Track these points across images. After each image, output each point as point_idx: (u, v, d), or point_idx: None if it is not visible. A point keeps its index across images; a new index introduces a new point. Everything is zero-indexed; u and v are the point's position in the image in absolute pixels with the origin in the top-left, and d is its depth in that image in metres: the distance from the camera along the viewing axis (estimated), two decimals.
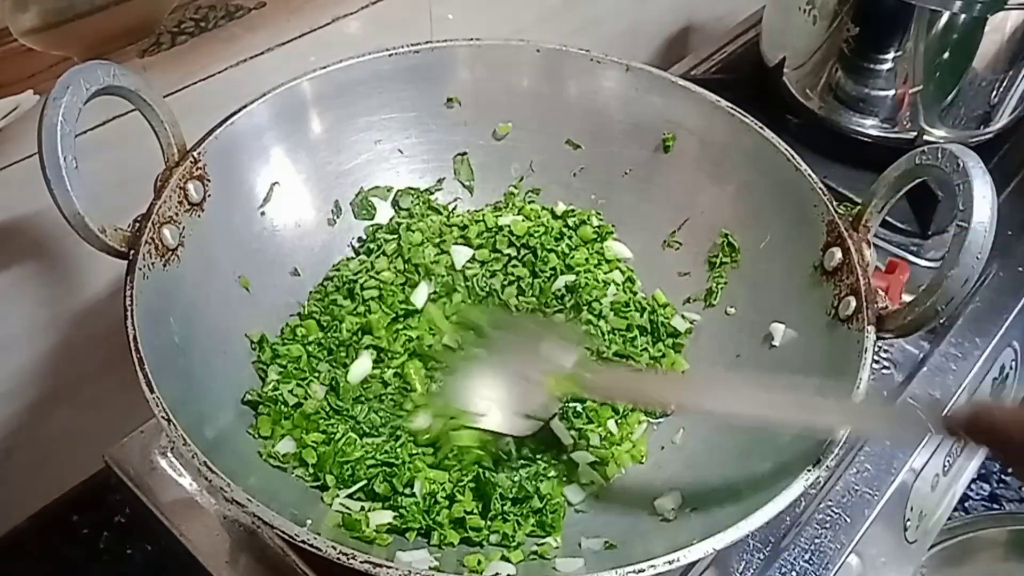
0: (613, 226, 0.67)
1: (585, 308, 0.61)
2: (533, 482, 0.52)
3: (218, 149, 0.55)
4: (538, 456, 0.56)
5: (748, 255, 0.61)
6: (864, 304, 0.49)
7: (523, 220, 0.65)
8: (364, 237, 0.65)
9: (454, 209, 0.68)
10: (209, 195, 0.55)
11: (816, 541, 0.57)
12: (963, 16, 0.70)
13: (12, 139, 0.53)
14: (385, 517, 0.49)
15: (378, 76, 0.63)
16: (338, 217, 0.64)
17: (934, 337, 0.71)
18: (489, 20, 0.82)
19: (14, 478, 0.66)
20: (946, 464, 0.70)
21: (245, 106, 0.57)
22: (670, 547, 0.40)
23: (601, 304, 0.61)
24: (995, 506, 0.96)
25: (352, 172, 0.65)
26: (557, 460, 0.56)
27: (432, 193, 0.67)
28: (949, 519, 0.79)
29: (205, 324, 0.53)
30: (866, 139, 0.81)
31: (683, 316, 0.62)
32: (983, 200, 0.45)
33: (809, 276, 0.55)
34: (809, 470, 0.43)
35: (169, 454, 0.58)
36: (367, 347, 0.58)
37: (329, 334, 0.59)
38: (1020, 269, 0.77)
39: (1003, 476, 0.99)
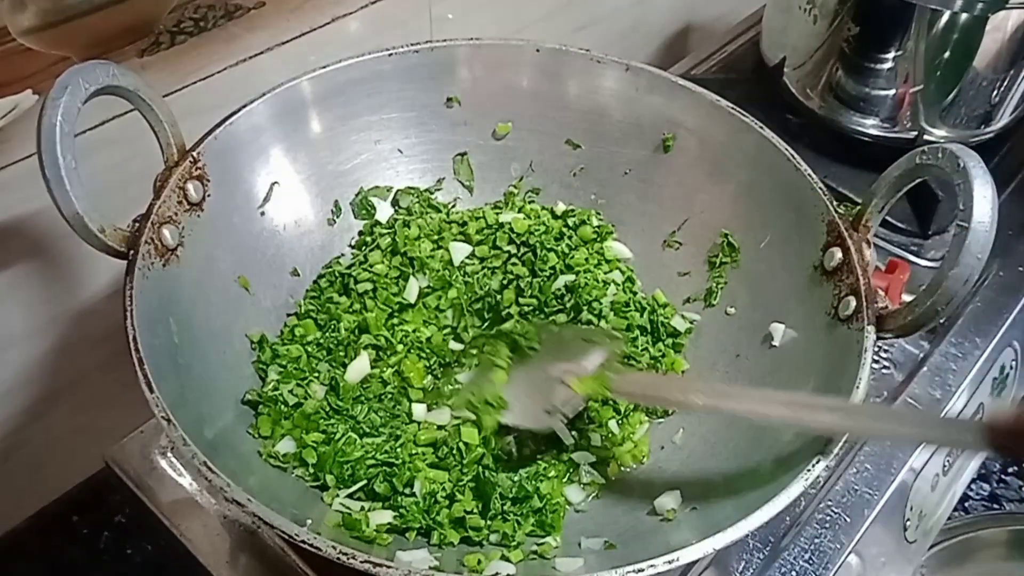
0: (613, 226, 0.66)
1: (585, 308, 0.61)
2: (533, 482, 0.52)
3: (218, 149, 0.55)
4: (538, 456, 0.56)
5: (748, 255, 0.61)
6: (864, 304, 0.49)
7: (523, 218, 0.65)
8: (362, 231, 0.65)
9: (453, 207, 0.67)
10: (209, 195, 0.55)
11: (816, 541, 0.57)
12: (963, 16, 0.70)
13: (11, 139, 0.53)
14: (385, 517, 0.49)
15: (378, 76, 0.63)
16: (338, 217, 0.64)
17: (934, 337, 0.71)
18: (489, 20, 0.82)
19: (14, 478, 0.66)
20: (946, 464, 0.70)
21: (245, 106, 0.57)
22: (670, 547, 0.40)
23: (601, 304, 0.61)
24: (995, 506, 0.96)
25: (352, 172, 0.65)
26: (557, 460, 0.56)
27: (432, 193, 0.67)
28: (949, 519, 0.79)
29: (205, 324, 0.53)
30: (866, 139, 0.81)
31: (683, 316, 0.62)
32: (983, 200, 0.45)
33: (809, 276, 0.55)
34: (817, 460, 0.43)
35: (169, 454, 0.58)
36: (366, 346, 0.58)
37: (327, 334, 0.59)
38: (1020, 269, 0.77)
39: (1003, 476, 0.99)
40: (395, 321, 0.60)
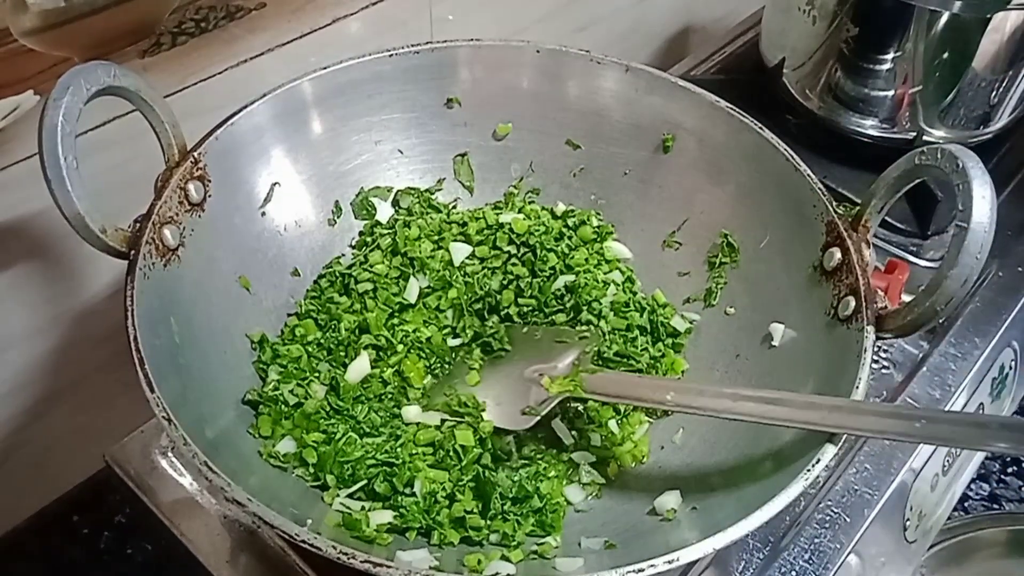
0: (613, 226, 0.67)
1: (585, 308, 0.61)
2: (533, 482, 0.53)
3: (219, 149, 0.55)
4: (538, 456, 0.56)
5: (747, 255, 0.61)
6: (863, 304, 0.49)
7: (523, 218, 0.65)
8: (362, 231, 0.65)
9: (454, 208, 0.68)
10: (210, 195, 0.55)
11: (816, 541, 0.57)
12: (963, 16, 0.70)
13: (13, 139, 0.53)
14: (385, 517, 0.49)
15: (378, 77, 0.63)
16: (338, 217, 0.65)
17: (934, 337, 0.71)
18: (489, 21, 0.82)
19: (14, 478, 0.66)
20: (946, 464, 0.70)
21: (246, 106, 0.57)
22: (670, 547, 0.40)
23: (601, 304, 0.61)
24: (995, 506, 0.96)
25: (352, 172, 0.65)
26: (557, 460, 0.56)
27: (432, 193, 0.67)
28: (949, 519, 0.79)
29: (205, 324, 0.53)
30: (866, 139, 0.81)
31: (683, 316, 0.62)
32: (982, 200, 0.45)
33: (808, 276, 0.55)
34: (817, 460, 0.43)
35: (169, 454, 0.58)
36: (366, 346, 0.58)
37: (328, 334, 0.59)
38: (1020, 269, 0.77)
39: (1003, 476, 0.99)
40: (395, 321, 0.60)
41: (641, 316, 0.61)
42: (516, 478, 0.52)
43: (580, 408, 0.58)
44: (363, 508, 0.50)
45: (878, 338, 0.48)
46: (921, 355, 0.70)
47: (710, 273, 0.63)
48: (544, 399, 0.55)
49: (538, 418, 0.54)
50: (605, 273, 0.64)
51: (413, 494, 0.51)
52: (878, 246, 0.73)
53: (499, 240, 0.64)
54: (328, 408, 0.55)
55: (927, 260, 0.76)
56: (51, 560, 0.70)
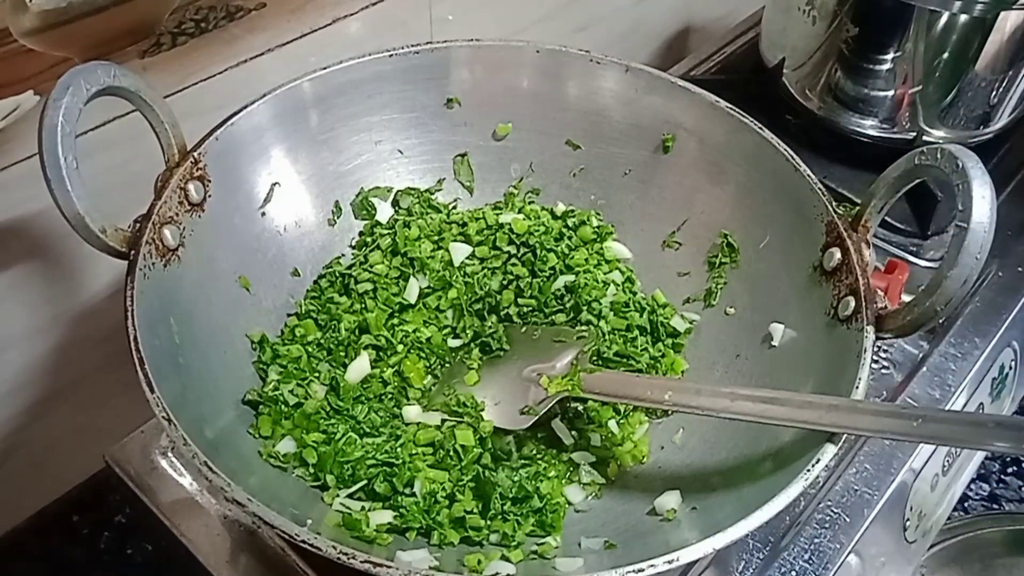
0: (613, 226, 0.67)
1: (585, 308, 0.61)
2: (533, 482, 0.53)
3: (218, 149, 0.55)
4: (538, 456, 0.56)
5: (747, 255, 0.61)
6: (863, 304, 0.49)
7: (523, 219, 0.65)
8: (362, 232, 0.65)
9: (454, 208, 0.68)
10: (209, 195, 0.55)
11: (815, 541, 0.57)
12: (962, 17, 0.70)
13: (12, 139, 0.53)
14: (385, 517, 0.49)
15: (378, 77, 0.63)
16: (338, 217, 0.65)
17: (933, 337, 0.71)
18: (489, 20, 0.82)
19: (14, 478, 0.66)
20: (945, 464, 0.70)
21: (245, 106, 0.57)
22: (670, 547, 0.40)
23: (601, 304, 0.61)
24: (995, 506, 0.96)
25: (352, 172, 0.65)
26: (557, 460, 0.56)
27: (432, 193, 0.67)
28: (949, 519, 0.79)
29: (205, 324, 0.53)
30: (865, 139, 0.81)
31: (683, 316, 0.63)
32: (982, 200, 0.45)
33: (808, 276, 0.55)
34: (817, 460, 0.43)
35: (169, 454, 0.58)
36: (366, 346, 0.58)
37: (328, 334, 0.59)
38: (1020, 269, 0.77)
39: (1003, 476, 0.99)
40: (395, 321, 0.60)
41: (641, 316, 0.61)
42: (516, 478, 0.52)
43: (580, 408, 0.58)
44: (363, 508, 0.50)
45: (878, 338, 0.48)
46: (921, 355, 0.70)
47: (710, 273, 0.63)
48: (543, 399, 0.55)
49: (536, 418, 0.54)
50: (605, 273, 0.64)
51: (413, 494, 0.51)
52: (878, 246, 0.73)
53: (499, 240, 0.64)
54: (328, 408, 0.55)
55: (927, 260, 0.76)
56: (51, 560, 0.70)
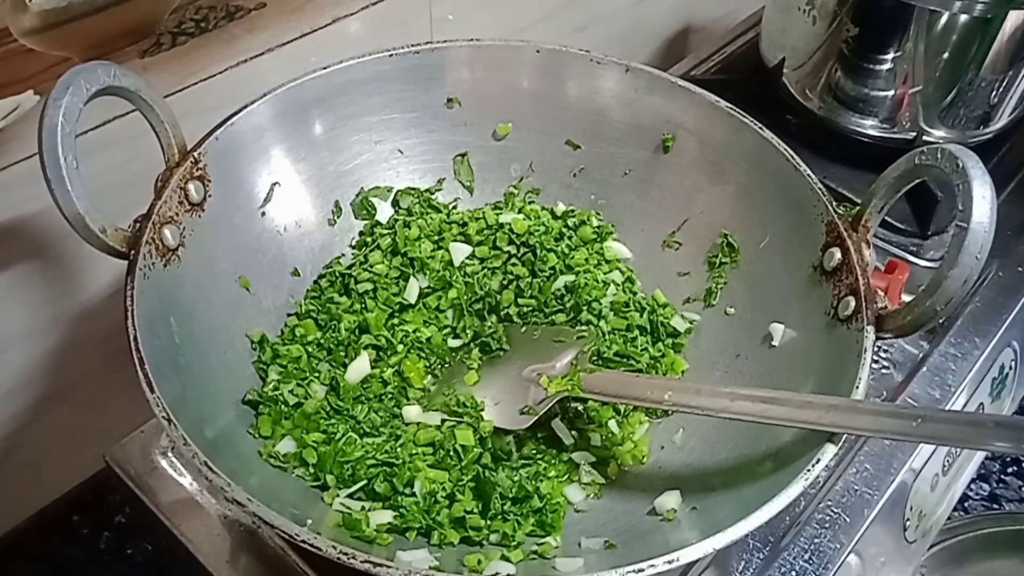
0: (613, 226, 0.67)
1: (585, 308, 0.61)
2: (533, 482, 0.53)
3: (218, 149, 0.55)
4: (538, 456, 0.56)
5: (748, 255, 0.61)
6: (863, 304, 0.49)
7: (523, 218, 0.65)
8: (362, 232, 0.65)
9: (454, 208, 0.68)
10: (209, 195, 0.55)
11: (816, 541, 0.57)
12: (962, 17, 0.70)
13: (12, 139, 0.53)
14: (385, 517, 0.49)
15: (378, 77, 0.63)
16: (338, 217, 0.65)
17: (933, 337, 0.71)
18: (489, 20, 0.82)
19: (14, 478, 0.66)
20: (946, 464, 0.70)
21: (245, 106, 0.57)
22: (670, 547, 0.40)
23: (601, 304, 0.61)
24: (995, 506, 0.96)
25: (352, 172, 0.65)
26: (557, 460, 0.56)
27: (432, 193, 0.67)
28: (949, 519, 0.79)
29: (205, 324, 0.53)
30: (866, 139, 0.81)
31: (683, 316, 0.63)
32: (982, 200, 0.45)
33: (808, 276, 0.55)
34: (818, 460, 0.43)
35: (169, 454, 0.58)
36: (366, 346, 0.58)
37: (328, 334, 0.59)
38: (1020, 269, 0.77)
39: (1003, 476, 0.99)
40: (395, 321, 0.60)
41: (641, 316, 0.61)
42: (516, 478, 0.52)
43: (580, 408, 0.58)
44: (363, 508, 0.50)
45: (878, 338, 0.48)
46: (921, 355, 0.70)
47: (710, 273, 0.63)
48: (543, 399, 0.55)
49: (536, 418, 0.54)
50: (605, 273, 0.64)
51: (413, 494, 0.51)
52: (878, 246, 0.74)
53: (499, 240, 0.64)
54: (328, 408, 0.55)
55: (927, 260, 0.76)
56: (51, 560, 0.70)
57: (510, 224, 0.64)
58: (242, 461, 0.50)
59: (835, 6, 0.76)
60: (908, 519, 0.65)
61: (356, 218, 0.65)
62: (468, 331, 0.61)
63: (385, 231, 0.64)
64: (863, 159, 0.78)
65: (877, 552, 0.61)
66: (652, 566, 0.39)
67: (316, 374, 0.57)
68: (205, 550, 0.54)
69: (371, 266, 0.62)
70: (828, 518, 0.59)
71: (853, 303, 0.50)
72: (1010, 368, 0.76)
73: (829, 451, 0.44)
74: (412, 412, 0.56)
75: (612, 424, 0.57)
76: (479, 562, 0.48)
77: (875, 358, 0.67)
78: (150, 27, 0.57)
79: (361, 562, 0.38)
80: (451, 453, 0.54)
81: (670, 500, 0.51)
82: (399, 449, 0.53)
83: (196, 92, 0.61)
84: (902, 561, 0.65)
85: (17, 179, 0.55)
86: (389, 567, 0.38)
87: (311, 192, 0.63)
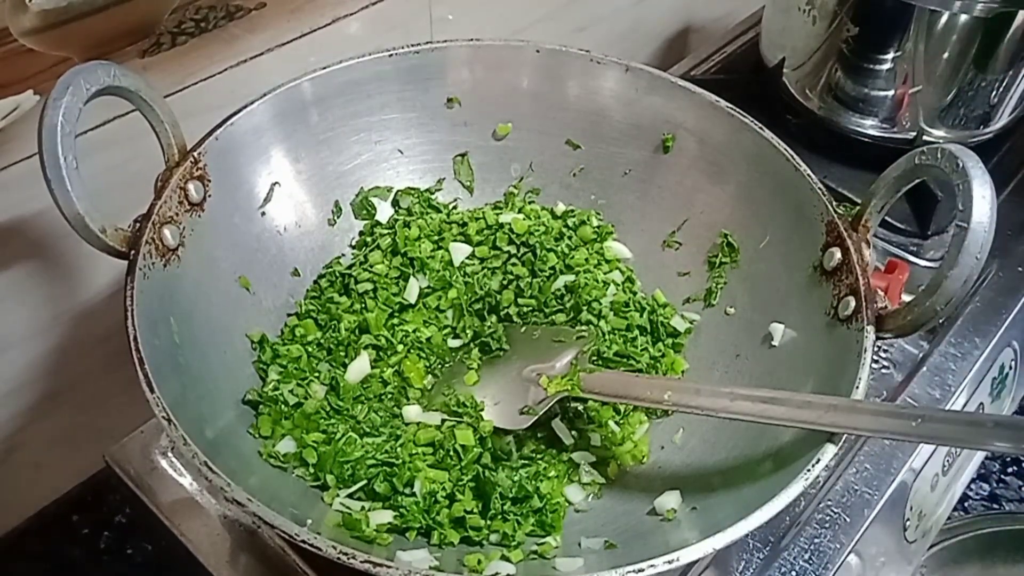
0: (613, 226, 0.67)
1: (585, 308, 0.61)
2: (533, 482, 0.53)
3: (218, 149, 0.55)
4: (538, 456, 0.56)
5: (748, 255, 0.61)
6: (863, 304, 0.49)
7: (523, 218, 0.65)
8: (362, 232, 0.65)
9: (454, 208, 0.68)
10: (209, 195, 0.55)
11: (816, 541, 0.57)
12: (962, 16, 0.70)
13: (12, 139, 0.53)
14: (385, 517, 0.49)
15: (378, 76, 0.63)
16: (338, 217, 0.65)
17: (934, 337, 0.71)
18: (489, 20, 0.82)
19: (14, 478, 0.66)
20: (946, 464, 0.70)
21: (245, 106, 0.57)
22: (670, 547, 0.40)
23: (601, 304, 0.61)
24: (995, 506, 0.96)
25: (352, 172, 0.65)
26: (557, 460, 0.56)
27: (432, 193, 0.67)
28: (949, 519, 0.79)
29: (205, 324, 0.53)
30: (866, 139, 0.81)
31: (683, 316, 0.62)
32: (982, 200, 0.45)
33: (808, 276, 0.55)
34: (818, 460, 0.43)
35: (169, 454, 0.58)
36: (366, 346, 0.58)
37: (328, 334, 0.59)
38: (1020, 269, 0.77)
39: (1003, 476, 0.99)
40: (395, 321, 0.60)
41: (641, 316, 0.61)
42: (516, 478, 0.52)
43: (580, 408, 0.58)
44: (363, 508, 0.50)
45: (878, 338, 0.48)
46: (921, 355, 0.70)
47: (710, 273, 0.63)
48: (542, 399, 0.55)
49: (536, 418, 0.54)
50: (605, 273, 0.64)
51: (413, 494, 0.51)
52: (878, 246, 0.73)
53: (499, 240, 0.64)
54: (328, 408, 0.55)
55: (927, 260, 0.76)
56: (51, 560, 0.70)
57: (510, 224, 0.64)
58: (242, 461, 0.50)
59: (835, 6, 0.76)
60: (908, 519, 0.65)
61: (356, 218, 0.65)
62: (468, 331, 0.61)
63: (385, 231, 0.64)
64: (863, 159, 0.78)
65: (877, 552, 0.61)
66: (652, 566, 0.39)
67: (316, 374, 0.57)
68: (205, 550, 0.54)
69: (371, 266, 0.62)
70: (828, 518, 0.59)
71: (853, 303, 0.50)
72: (1010, 368, 0.76)
73: (829, 451, 0.44)
74: (412, 412, 0.56)
75: (612, 424, 0.57)
76: (479, 562, 0.48)
77: (875, 358, 0.67)
78: (150, 27, 0.57)
79: (361, 562, 0.38)
80: (451, 453, 0.54)
81: (670, 500, 0.51)
82: (399, 449, 0.53)
83: (196, 92, 0.61)
84: (902, 561, 0.65)
85: (17, 179, 0.55)
86: (389, 567, 0.38)
87: (311, 192, 0.63)
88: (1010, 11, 0.70)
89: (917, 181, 0.50)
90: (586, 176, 0.68)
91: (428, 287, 0.62)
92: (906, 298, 0.51)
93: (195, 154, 0.54)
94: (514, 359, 0.59)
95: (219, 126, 0.56)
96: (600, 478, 0.55)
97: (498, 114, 0.67)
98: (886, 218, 0.56)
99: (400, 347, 0.59)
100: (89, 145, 0.55)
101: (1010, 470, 1.00)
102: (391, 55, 0.63)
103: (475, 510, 0.51)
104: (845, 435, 0.44)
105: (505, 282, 0.63)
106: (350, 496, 0.51)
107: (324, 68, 0.61)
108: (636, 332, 0.61)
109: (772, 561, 0.56)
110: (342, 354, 0.58)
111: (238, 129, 0.57)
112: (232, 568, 0.53)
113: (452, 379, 0.59)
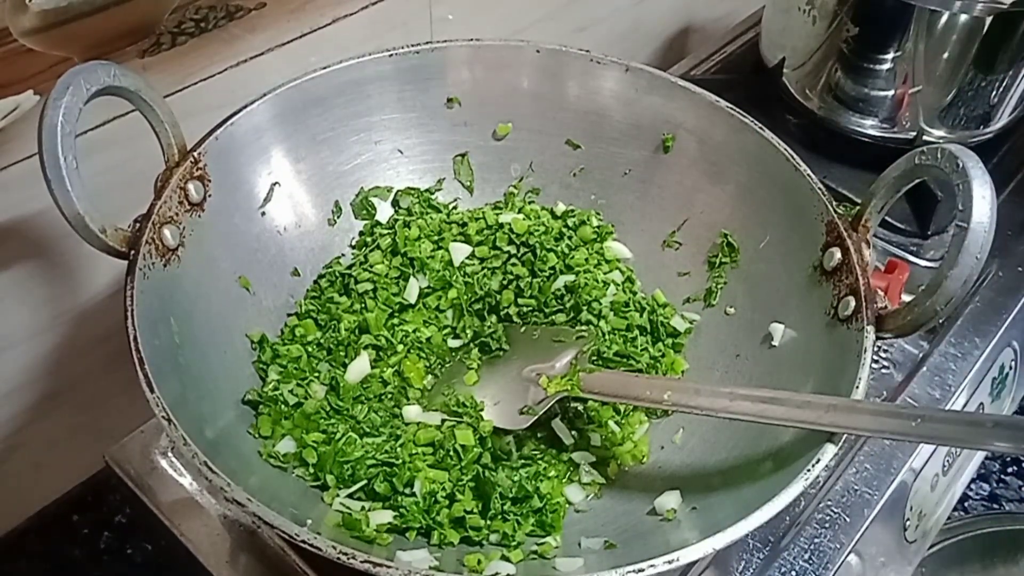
0: (613, 226, 0.67)
1: (585, 308, 0.61)
2: (533, 482, 0.53)
3: (218, 149, 0.55)
4: (538, 456, 0.56)
5: (748, 255, 0.61)
6: (863, 304, 0.49)
7: (523, 219, 0.65)
8: (362, 232, 0.65)
9: (454, 208, 0.68)
10: (209, 195, 0.55)
11: (816, 541, 0.57)
12: (962, 16, 0.70)
13: (12, 139, 0.53)
14: (385, 517, 0.49)
15: (378, 77, 0.63)
16: (338, 217, 0.65)
17: (934, 337, 0.71)
18: (489, 20, 0.82)
19: (14, 478, 0.66)
20: (945, 464, 0.70)
21: (245, 106, 0.57)
22: (670, 547, 0.40)
23: (601, 304, 0.61)
24: (995, 506, 0.96)
25: (352, 172, 0.65)
26: (557, 460, 0.56)
27: (432, 193, 0.67)
28: (949, 519, 0.79)
29: (205, 324, 0.53)
30: (866, 139, 0.81)
31: (683, 316, 0.63)
32: (982, 200, 0.45)
33: (808, 276, 0.55)
34: (818, 460, 0.43)
35: (169, 454, 0.58)
36: (366, 346, 0.58)
37: (328, 334, 0.59)
38: (1020, 269, 0.77)
39: (1003, 476, 0.99)
40: (395, 321, 0.60)
41: (641, 316, 0.61)
42: (516, 478, 0.52)
43: (580, 408, 0.58)
44: (363, 508, 0.50)
45: (878, 338, 0.48)
46: (921, 355, 0.70)
47: (710, 273, 0.63)
48: (542, 399, 0.55)
49: (536, 418, 0.55)
50: (605, 273, 0.64)
51: (413, 494, 0.51)
52: (878, 246, 0.73)
53: (499, 240, 0.64)
54: (328, 408, 0.55)
55: (927, 260, 0.76)
56: (51, 560, 0.70)
57: (510, 224, 0.64)
58: (242, 461, 0.50)
59: (835, 6, 0.76)
60: (908, 519, 0.65)
61: (356, 218, 0.65)
62: (468, 331, 0.61)
63: (385, 231, 0.64)
64: (863, 159, 0.78)
65: (877, 552, 0.61)
66: (652, 566, 0.39)
67: (316, 374, 0.57)
68: (205, 550, 0.54)
69: (371, 266, 0.62)
70: (828, 518, 0.59)
71: (853, 303, 0.50)
72: (1010, 368, 0.76)
73: (829, 451, 0.44)
74: (412, 412, 0.56)
75: (612, 424, 0.57)
76: (479, 562, 0.48)
77: (875, 358, 0.67)
78: (150, 27, 0.57)
79: (361, 562, 0.38)
80: (451, 453, 0.54)
81: (670, 500, 0.51)
82: (399, 449, 0.53)
83: (196, 92, 0.61)
84: (902, 561, 0.65)
85: (17, 179, 0.55)
86: (389, 567, 0.38)
87: (311, 192, 0.63)
88: (1010, 11, 0.70)
89: (917, 181, 0.50)
90: (586, 176, 0.68)
91: (428, 287, 0.62)
92: (906, 298, 0.51)
93: (195, 154, 0.54)
94: (514, 359, 0.59)
95: (219, 126, 0.56)
96: (600, 478, 0.55)
97: (498, 114, 0.67)
98: (886, 218, 0.56)
99: (400, 347, 0.59)
100: (89, 145, 0.55)
101: (1010, 470, 1.00)
102: (391, 55, 0.63)
103: (475, 510, 0.51)
104: (845, 435, 0.44)
105: (505, 282, 0.63)
106: (350, 496, 0.51)
107: (324, 68, 0.61)
108: (636, 332, 0.61)
109: (772, 561, 0.56)
110: (342, 354, 0.58)
111: (238, 129, 0.57)
112: (232, 568, 0.53)
113: (452, 379, 0.59)
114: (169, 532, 0.54)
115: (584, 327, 0.60)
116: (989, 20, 0.70)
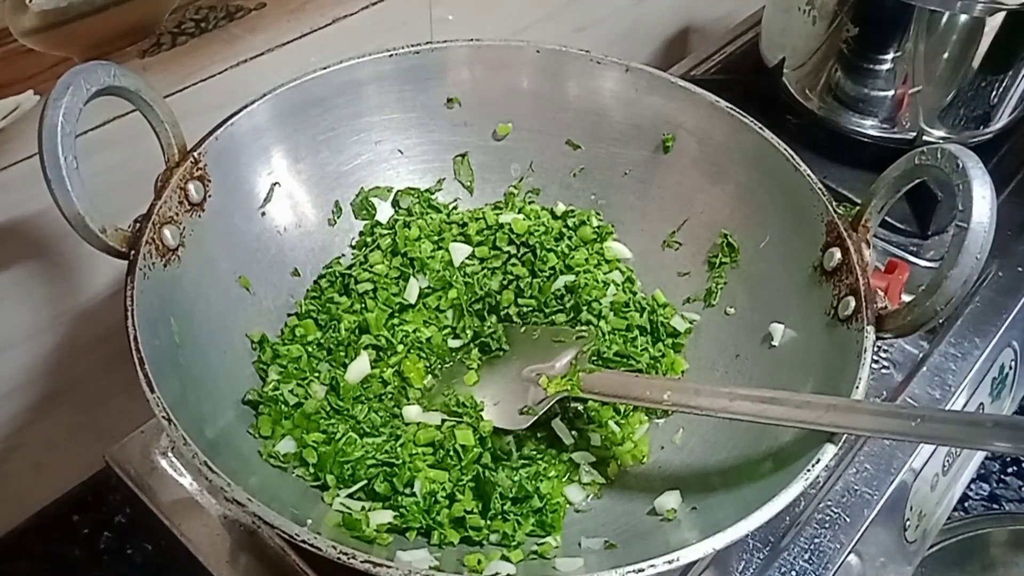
0: (613, 226, 0.67)
1: (585, 308, 0.61)
2: (533, 482, 0.53)
3: (218, 149, 0.55)
4: (538, 456, 0.56)
5: (748, 255, 0.61)
6: (863, 304, 0.49)
7: (523, 219, 0.65)
8: (362, 232, 0.65)
9: (454, 208, 0.68)
10: (209, 195, 0.55)
11: (815, 541, 0.57)
12: (962, 17, 0.70)
13: (12, 139, 0.53)
14: (385, 517, 0.49)
15: (378, 77, 0.63)
16: (338, 217, 0.65)
17: (934, 337, 0.71)
18: (489, 20, 0.82)
19: (14, 478, 0.66)
20: (946, 464, 0.70)
21: (245, 106, 0.57)
22: (670, 547, 0.40)
23: (601, 304, 0.61)
24: (995, 506, 0.96)
25: (352, 172, 0.65)
26: (557, 460, 0.56)
27: (432, 193, 0.67)
28: (949, 519, 0.79)
29: (206, 324, 0.53)
30: (866, 139, 0.81)
31: (683, 316, 0.63)
32: (982, 200, 0.45)
33: (808, 276, 0.55)
34: (818, 460, 0.43)
35: (169, 454, 0.58)
36: (366, 346, 0.58)
37: (328, 334, 0.59)
38: (1020, 269, 0.77)
39: (1003, 476, 0.99)
40: (395, 321, 0.60)
41: (641, 316, 0.62)
42: (516, 478, 0.52)
43: (580, 408, 0.58)
44: (363, 508, 0.50)
45: (878, 338, 0.48)
46: (921, 355, 0.70)
47: (710, 273, 0.63)
48: (542, 399, 0.55)
49: (536, 418, 0.55)
50: (605, 273, 0.64)
51: (413, 494, 0.51)
52: (878, 246, 0.73)
53: (499, 240, 0.64)
54: (328, 408, 0.55)
55: (927, 260, 0.76)
56: (51, 560, 0.70)
57: (510, 224, 0.64)
58: (242, 461, 0.50)
59: (835, 6, 0.76)
60: (908, 519, 0.65)
61: (356, 218, 0.65)
62: (468, 331, 0.61)
63: (385, 231, 0.64)
64: (863, 159, 0.78)
65: (877, 552, 0.61)
66: (652, 566, 0.39)
67: (316, 374, 0.57)
68: (205, 550, 0.54)
69: (371, 266, 0.62)
70: (828, 518, 0.59)
71: (853, 303, 0.50)
72: (1010, 368, 0.76)
73: (829, 451, 0.44)
74: (412, 412, 0.56)
75: (612, 424, 0.57)
76: (479, 562, 0.48)
77: (875, 358, 0.67)
78: (150, 27, 0.57)
79: (361, 562, 0.38)
80: (451, 453, 0.54)
81: (670, 500, 0.51)
82: (399, 449, 0.53)
83: (196, 92, 0.61)
84: (902, 561, 0.65)
85: (17, 179, 0.55)
86: (389, 567, 0.38)
87: (311, 192, 0.63)
88: (1010, 11, 0.70)
89: (917, 181, 0.50)
90: (586, 176, 0.68)
91: (428, 287, 0.62)
92: (906, 298, 0.51)
93: (195, 154, 0.54)
94: (514, 359, 0.59)
95: (219, 126, 0.56)
96: (600, 478, 0.55)
97: (498, 114, 0.67)
98: (886, 218, 0.56)
99: (400, 347, 0.59)
100: (89, 145, 0.55)
101: (1010, 470, 1.00)
102: (391, 55, 0.63)
103: (475, 510, 0.51)
104: (845, 435, 0.44)
105: (505, 282, 0.63)
106: (350, 496, 0.51)
107: (324, 68, 0.61)
108: (636, 332, 0.61)
109: (772, 561, 0.56)
110: (342, 354, 0.58)
111: (238, 129, 0.57)
112: (232, 568, 0.53)
113: (452, 379, 0.59)
114: (169, 532, 0.54)
115: (584, 327, 0.60)
116: (989, 20, 0.70)
